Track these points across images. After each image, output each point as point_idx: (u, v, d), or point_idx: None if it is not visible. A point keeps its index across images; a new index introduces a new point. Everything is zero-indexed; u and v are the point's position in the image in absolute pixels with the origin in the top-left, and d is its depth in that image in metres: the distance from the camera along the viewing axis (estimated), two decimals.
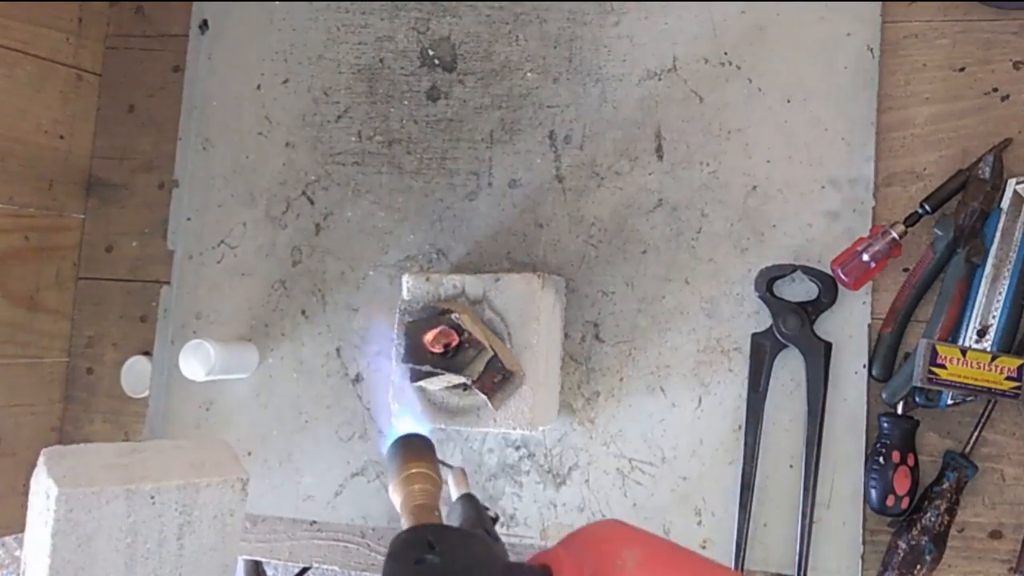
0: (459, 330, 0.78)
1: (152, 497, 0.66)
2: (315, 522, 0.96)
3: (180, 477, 0.68)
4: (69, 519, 0.63)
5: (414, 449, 0.55)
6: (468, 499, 0.56)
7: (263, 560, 0.95)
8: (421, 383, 0.81)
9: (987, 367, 0.75)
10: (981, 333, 0.77)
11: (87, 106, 1.10)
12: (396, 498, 0.53)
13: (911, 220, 0.80)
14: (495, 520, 0.53)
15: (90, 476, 0.65)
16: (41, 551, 0.64)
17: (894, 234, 0.79)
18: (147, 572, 0.67)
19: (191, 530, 0.68)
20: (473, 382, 0.78)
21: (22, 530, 1.01)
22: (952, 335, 0.79)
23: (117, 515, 0.65)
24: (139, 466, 0.68)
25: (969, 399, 0.78)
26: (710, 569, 0.35)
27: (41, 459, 0.66)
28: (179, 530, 0.68)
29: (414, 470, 0.53)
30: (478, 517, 0.53)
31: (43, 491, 0.65)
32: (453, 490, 0.60)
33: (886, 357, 0.81)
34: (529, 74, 0.94)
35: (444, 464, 0.58)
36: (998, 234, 0.78)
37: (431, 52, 0.98)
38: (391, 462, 0.55)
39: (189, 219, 1.04)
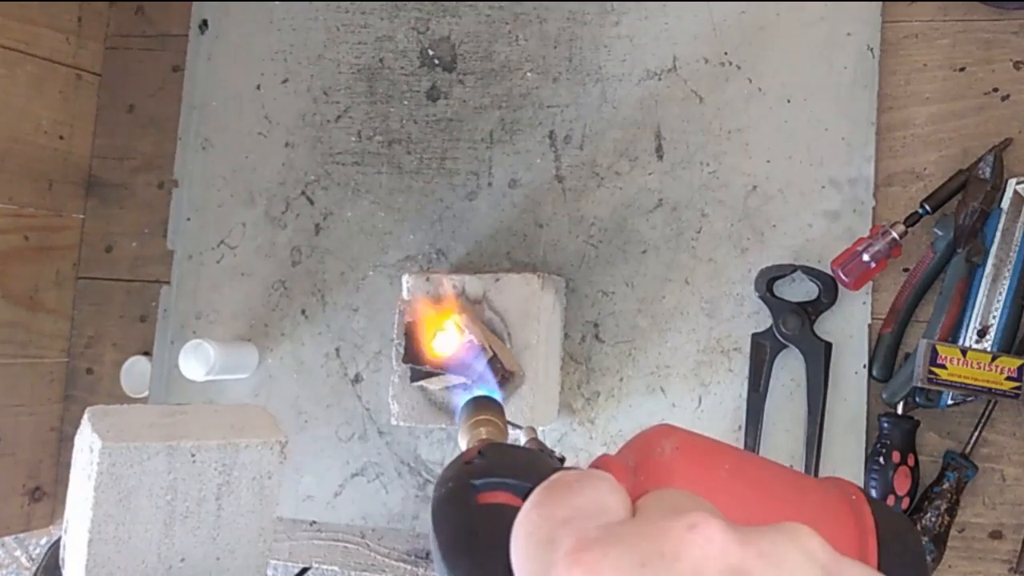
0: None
1: (193, 455, 0.67)
2: (315, 522, 0.96)
3: (220, 437, 0.69)
4: (112, 473, 0.64)
5: (484, 405, 0.56)
6: (534, 440, 0.57)
7: None
8: (421, 383, 0.81)
9: (987, 367, 0.75)
10: (981, 333, 0.77)
11: (87, 106, 1.10)
12: (463, 442, 0.54)
13: (911, 220, 0.80)
14: (561, 460, 0.53)
15: (133, 432, 0.66)
16: (83, 505, 0.65)
17: (894, 234, 0.79)
18: (185, 531, 0.67)
19: (230, 490, 0.69)
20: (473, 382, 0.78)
21: (22, 530, 1.01)
22: (952, 335, 0.79)
23: (158, 471, 0.66)
24: (180, 426, 0.69)
25: (969, 399, 0.78)
26: (754, 460, 0.34)
27: (86, 416, 0.67)
28: (218, 490, 0.68)
29: (482, 417, 0.54)
30: (541, 451, 0.54)
31: (87, 446, 0.66)
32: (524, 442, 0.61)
33: (886, 357, 0.81)
34: (529, 74, 0.94)
35: (513, 424, 0.58)
36: (998, 234, 0.78)
37: (431, 52, 0.98)
38: (461, 415, 0.56)
39: (189, 219, 1.04)
